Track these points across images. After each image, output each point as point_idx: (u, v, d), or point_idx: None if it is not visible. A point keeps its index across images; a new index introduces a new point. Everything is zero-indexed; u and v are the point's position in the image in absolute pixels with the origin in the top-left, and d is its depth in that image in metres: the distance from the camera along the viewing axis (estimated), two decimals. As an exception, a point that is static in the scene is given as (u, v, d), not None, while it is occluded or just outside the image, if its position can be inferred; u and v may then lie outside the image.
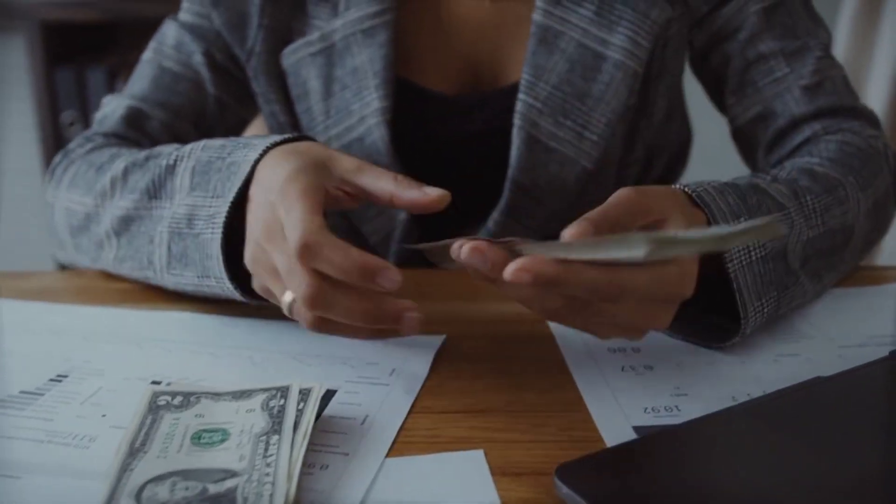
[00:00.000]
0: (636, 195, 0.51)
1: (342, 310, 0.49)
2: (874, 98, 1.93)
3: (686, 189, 0.56)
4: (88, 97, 1.82)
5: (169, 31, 0.83)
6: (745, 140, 0.83)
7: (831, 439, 0.46)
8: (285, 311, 0.53)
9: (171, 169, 0.63)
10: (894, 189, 0.75)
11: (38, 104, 1.82)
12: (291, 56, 0.80)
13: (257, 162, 0.57)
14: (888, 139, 0.78)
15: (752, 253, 0.57)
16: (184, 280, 0.62)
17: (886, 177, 0.73)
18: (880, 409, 0.50)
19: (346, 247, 0.48)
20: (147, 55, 0.84)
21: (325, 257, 0.48)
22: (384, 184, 0.54)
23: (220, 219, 0.58)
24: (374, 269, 0.48)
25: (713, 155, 1.23)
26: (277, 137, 0.59)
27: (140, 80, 0.82)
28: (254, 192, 0.56)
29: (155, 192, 0.64)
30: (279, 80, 0.82)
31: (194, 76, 0.82)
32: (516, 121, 0.77)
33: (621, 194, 0.51)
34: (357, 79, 0.78)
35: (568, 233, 0.46)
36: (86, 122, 1.82)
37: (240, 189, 0.57)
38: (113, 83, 1.80)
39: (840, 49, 1.92)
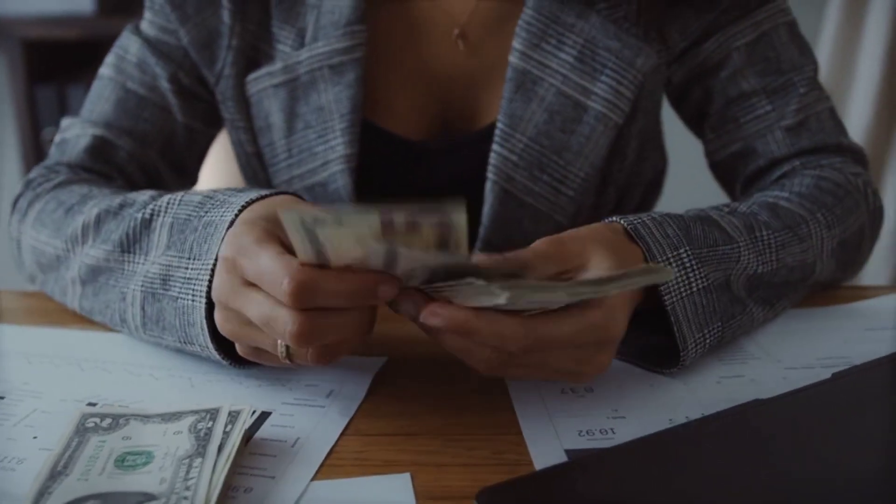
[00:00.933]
0: (551, 246, 0.51)
1: (335, 327, 0.47)
2: (858, 102, 1.94)
3: (623, 222, 0.56)
4: (69, 114, 1.82)
5: (131, 47, 0.79)
6: (724, 173, 0.82)
7: (764, 463, 0.45)
8: (284, 362, 0.49)
9: (146, 223, 0.60)
10: (870, 228, 0.74)
11: (19, 121, 1.83)
12: (255, 85, 0.77)
13: (233, 223, 0.53)
14: (870, 177, 0.76)
15: (693, 284, 0.56)
16: (164, 342, 0.59)
17: (861, 215, 0.72)
18: (817, 433, 0.50)
19: (339, 272, 0.45)
20: (107, 71, 0.79)
21: (323, 291, 0.45)
22: None
23: (201, 286, 0.54)
24: (375, 285, 0.45)
25: (692, 178, 1.21)
26: (254, 194, 0.55)
27: (102, 102, 0.78)
28: (220, 249, 0.52)
29: (129, 245, 0.61)
30: (247, 108, 0.78)
31: (161, 101, 0.78)
32: (490, 175, 0.74)
33: (537, 246, 0.50)
34: (322, 119, 0.75)
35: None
36: (67, 139, 1.83)
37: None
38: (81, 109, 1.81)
39: (824, 54, 1.93)
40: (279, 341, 0.48)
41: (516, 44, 0.73)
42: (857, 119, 1.95)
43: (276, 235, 0.49)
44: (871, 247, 0.75)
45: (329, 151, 0.75)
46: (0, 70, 1.91)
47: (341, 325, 0.47)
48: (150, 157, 0.78)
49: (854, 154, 0.77)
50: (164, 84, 0.77)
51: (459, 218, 0.42)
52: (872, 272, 1.98)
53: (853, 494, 0.43)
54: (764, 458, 0.46)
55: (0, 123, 1.99)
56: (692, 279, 0.56)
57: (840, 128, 0.78)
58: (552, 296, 0.45)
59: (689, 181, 1.17)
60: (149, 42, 0.78)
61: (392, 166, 0.78)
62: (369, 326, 0.50)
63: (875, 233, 0.75)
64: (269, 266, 0.46)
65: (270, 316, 0.47)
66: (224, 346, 0.55)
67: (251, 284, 0.48)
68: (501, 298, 0.42)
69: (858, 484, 0.44)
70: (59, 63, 1.88)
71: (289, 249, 0.48)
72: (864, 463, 0.46)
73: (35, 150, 1.83)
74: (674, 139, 1.00)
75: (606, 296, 0.48)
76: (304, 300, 0.45)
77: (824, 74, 1.95)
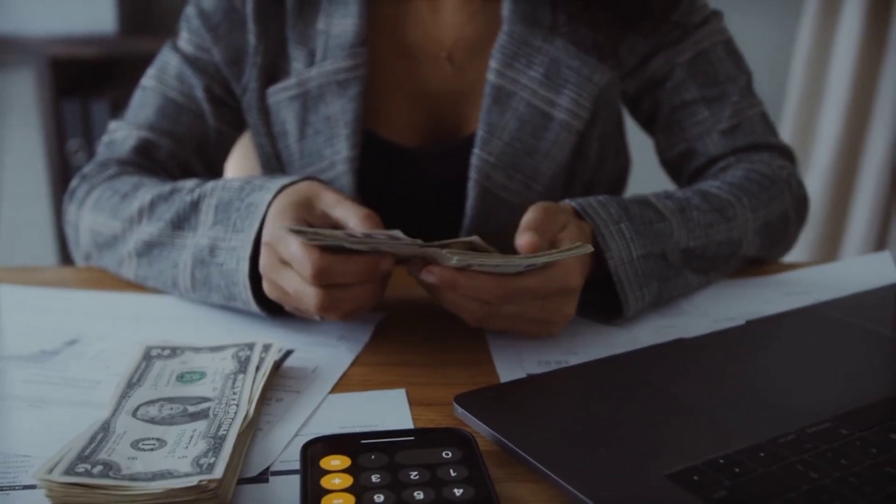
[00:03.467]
0: (549, 209, 0.66)
1: (351, 297, 0.61)
2: (832, 102, 2.08)
3: (573, 204, 0.70)
4: (92, 127, 1.96)
5: (171, 61, 0.90)
6: (672, 169, 0.96)
7: (677, 384, 0.58)
8: (316, 319, 0.64)
9: (194, 205, 0.73)
10: (794, 212, 0.87)
11: (45, 133, 1.96)
12: (273, 97, 0.89)
13: (271, 203, 0.67)
14: (797, 170, 0.90)
15: (633, 252, 0.69)
16: (210, 300, 0.73)
17: (785, 202, 0.85)
18: (728, 362, 0.63)
19: (347, 258, 0.60)
20: (149, 82, 0.92)
21: (338, 273, 0.59)
22: (351, 219, 0.63)
23: (245, 252, 0.67)
24: (377, 264, 0.60)
25: (654, 177, 1.35)
26: (286, 180, 0.69)
27: (145, 107, 0.90)
28: (263, 233, 0.66)
29: (179, 223, 0.73)
30: (268, 115, 0.91)
31: (196, 108, 0.89)
32: (472, 174, 0.86)
33: (539, 209, 0.65)
34: (329, 126, 0.87)
35: (520, 243, 0.61)
36: (90, 149, 1.96)
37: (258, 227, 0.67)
38: (115, 114, 1.94)
39: (800, 58, 2.08)
40: None
41: (493, 63, 0.86)
42: (831, 117, 2.09)
43: (303, 220, 0.64)
44: (797, 228, 0.89)
45: (335, 154, 0.88)
46: (28, 85, 2.05)
47: (354, 296, 0.62)
48: (186, 155, 0.91)
49: (781, 150, 0.90)
50: (200, 94, 0.90)
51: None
52: (853, 248, 2.12)
53: (746, 404, 0.56)
54: (678, 378, 0.59)
55: (28, 134, 2.13)
56: (632, 248, 0.69)
57: (769, 129, 0.91)
58: (491, 261, 0.59)
59: (651, 179, 1.30)
60: (186, 57, 0.90)
61: (389, 169, 0.91)
62: (380, 292, 0.64)
63: (800, 216, 0.89)
64: (297, 253, 0.60)
65: (300, 290, 0.62)
66: (260, 300, 0.68)
67: (287, 263, 0.62)
68: (453, 260, 0.58)
69: (752, 396, 0.57)
70: (82, 79, 2.01)
71: (313, 227, 0.63)
72: (759, 382, 0.59)
73: (60, 160, 1.97)
74: (638, 143, 1.14)
75: (537, 264, 0.61)
76: (323, 280, 0.60)
77: (800, 76, 2.09)
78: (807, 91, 2.12)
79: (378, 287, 0.63)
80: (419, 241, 0.58)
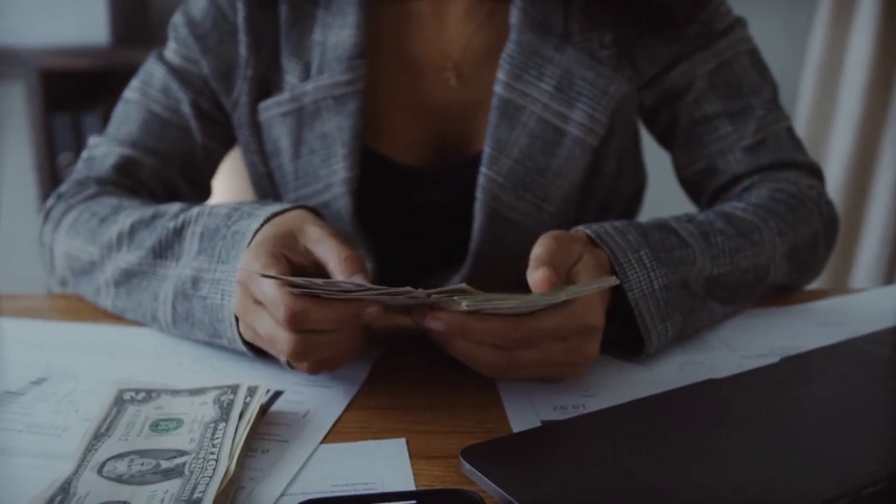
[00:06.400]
0: (561, 239, 0.59)
1: (325, 345, 0.55)
2: (845, 106, 2.01)
3: (587, 231, 0.64)
4: (84, 141, 1.90)
5: (156, 73, 0.85)
6: (691, 188, 0.89)
7: (712, 430, 0.52)
8: (287, 368, 0.58)
9: (178, 232, 0.67)
10: (824, 234, 0.81)
11: (36, 147, 1.91)
12: (265, 112, 0.83)
13: (257, 232, 0.61)
14: (826, 189, 0.84)
15: (654, 282, 0.63)
16: (192, 337, 0.66)
17: (814, 223, 0.79)
18: (762, 405, 0.57)
19: (327, 303, 0.54)
20: (133, 95, 0.86)
21: (313, 318, 0.53)
22: (331, 261, 0.57)
23: (230, 286, 0.61)
24: (359, 312, 0.54)
25: (672, 193, 1.29)
26: (277, 207, 0.64)
27: (128, 122, 0.84)
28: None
29: (161, 251, 0.68)
30: (259, 132, 0.85)
31: (182, 123, 0.84)
32: (479, 195, 0.80)
33: (551, 239, 0.58)
34: (325, 145, 0.81)
35: (534, 279, 0.54)
36: (81, 164, 1.91)
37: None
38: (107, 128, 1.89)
39: (813, 58, 2.03)
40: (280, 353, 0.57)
41: (500, 75, 0.80)
42: (843, 132, 2.03)
43: (281, 256, 0.57)
44: (826, 252, 0.82)
45: (331, 175, 0.81)
46: (18, 98, 2.00)
47: (331, 343, 0.56)
48: (170, 173, 0.85)
49: (809, 168, 0.84)
50: (186, 108, 0.84)
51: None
52: (863, 275, 2.06)
53: (791, 458, 0.50)
54: (713, 426, 0.53)
55: (17, 149, 2.07)
56: (653, 278, 0.63)
57: (797, 145, 0.85)
58: (506, 303, 0.52)
59: (668, 198, 1.24)
60: (173, 69, 0.84)
61: (391, 189, 0.85)
62: (359, 344, 0.58)
63: (830, 239, 0.82)
64: (271, 294, 0.54)
65: (272, 334, 0.55)
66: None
67: (261, 304, 0.56)
68: (462, 305, 0.52)
69: (795, 447, 0.51)
70: (74, 92, 1.96)
71: (293, 264, 0.58)
72: (802, 431, 0.53)
73: (51, 175, 1.91)
74: (656, 157, 1.08)
75: (557, 302, 0.54)
76: (297, 325, 0.53)
77: (811, 90, 2.03)
78: (818, 105, 2.06)
79: (359, 336, 0.57)
80: (408, 290, 0.52)
